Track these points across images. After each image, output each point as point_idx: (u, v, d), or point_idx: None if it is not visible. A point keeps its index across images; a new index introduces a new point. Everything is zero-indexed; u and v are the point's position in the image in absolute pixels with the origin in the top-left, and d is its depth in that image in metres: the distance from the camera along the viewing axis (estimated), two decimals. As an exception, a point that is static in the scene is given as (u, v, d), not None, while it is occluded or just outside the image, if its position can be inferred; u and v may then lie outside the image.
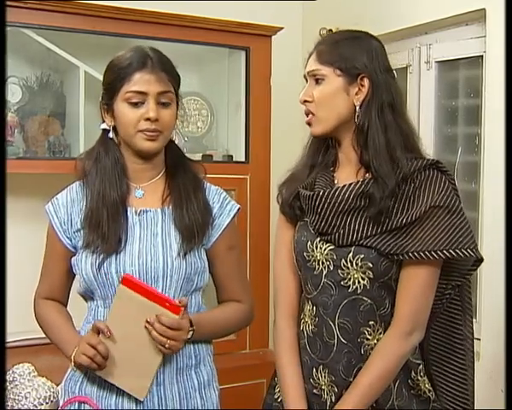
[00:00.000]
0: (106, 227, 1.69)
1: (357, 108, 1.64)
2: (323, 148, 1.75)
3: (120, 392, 1.68)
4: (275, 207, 2.94)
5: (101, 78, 2.70)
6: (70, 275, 1.80)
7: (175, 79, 1.74)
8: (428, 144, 2.69)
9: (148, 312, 1.57)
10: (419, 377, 1.68)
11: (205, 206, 1.77)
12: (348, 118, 1.66)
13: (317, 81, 1.66)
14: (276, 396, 1.79)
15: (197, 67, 3.18)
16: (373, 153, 1.61)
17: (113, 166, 1.74)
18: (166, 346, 1.58)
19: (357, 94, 1.64)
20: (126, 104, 1.68)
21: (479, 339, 2.38)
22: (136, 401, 1.67)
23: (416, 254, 1.57)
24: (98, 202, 1.72)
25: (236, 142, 3.06)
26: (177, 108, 1.76)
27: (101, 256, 1.68)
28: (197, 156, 2.90)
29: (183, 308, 1.58)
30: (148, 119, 1.66)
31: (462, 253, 1.57)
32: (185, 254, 1.71)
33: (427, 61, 2.89)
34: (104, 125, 1.77)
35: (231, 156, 3.03)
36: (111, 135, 1.74)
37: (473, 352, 1.76)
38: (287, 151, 3.13)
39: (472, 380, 1.76)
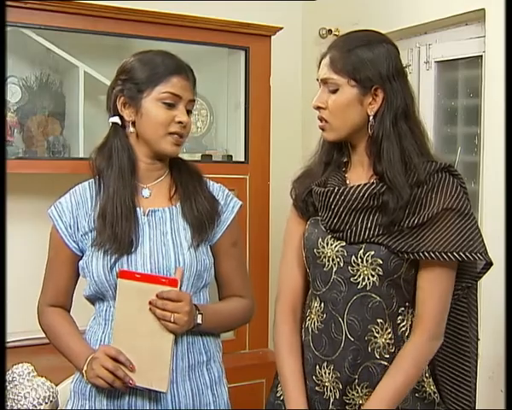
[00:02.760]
0: (119, 227, 1.68)
1: (371, 117, 1.65)
2: (337, 147, 1.75)
3: (133, 392, 1.68)
4: (274, 207, 2.96)
5: (100, 77, 2.73)
6: (75, 280, 1.80)
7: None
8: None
9: (148, 294, 1.59)
10: (424, 379, 1.69)
11: (211, 197, 1.79)
12: (361, 126, 1.67)
13: (329, 89, 1.66)
14: (278, 394, 1.80)
15: (196, 66, 3.16)
16: (387, 165, 1.62)
17: (127, 164, 1.73)
18: (172, 320, 1.59)
19: (370, 104, 1.64)
20: (160, 104, 1.69)
21: (478, 339, 2.38)
22: (150, 400, 1.68)
23: (427, 253, 1.59)
24: (113, 200, 1.70)
25: (236, 142, 3.06)
26: None
27: (113, 257, 1.68)
28: (196, 156, 2.90)
29: (178, 279, 1.61)
30: (179, 122, 1.69)
31: (472, 256, 1.59)
32: (198, 246, 1.72)
33: (426, 60, 2.89)
34: (115, 119, 1.75)
35: (231, 156, 3.03)
36: (132, 130, 1.73)
37: (476, 354, 1.77)
38: (286, 151, 3.17)
39: (474, 382, 1.76)
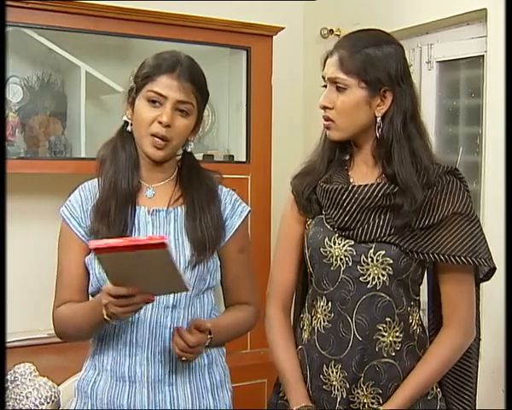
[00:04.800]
0: (112, 216, 1.69)
1: (379, 119, 1.65)
2: (340, 144, 1.74)
3: (132, 392, 1.69)
4: (276, 207, 2.95)
5: (102, 77, 2.73)
6: (89, 277, 1.75)
7: (200, 93, 1.72)
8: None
9: (138, 260, 1.44)
10: None
11: (218, 220, 1.75)
12: (368, 127, 1.67)
13: (338, 89, 1.65)
14: (281, 394, 1.80)
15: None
16: (399, 167, 1.63)
17: (127, 159, 1.74)
18: (183, 359, 1.62)
19: (378, 105, 1.65)
20: (146, 102, 1.68)
21: (480, 339, 2.38)
22: (148, 400, 1.68)
23: (436, 255, 1.62)
24: (109, 192, 1.72)
25: (237, 142, 3.06)
26: (198, 122, 1.76)
27: None
28: (198, 156, 2.87)
29: (166, 239, 1.41)
30: (160, 122, 1.65)
31: (478, 262, 1.62)
32: (195, 266, 1.69)
33: (428, 61, 2.89)
34: (125, 117, 1.76)
35: (232, 156, 3.04)
36: (129, 128, 1.74)
37: (478, 354, 1.78)
38: (287, 151, 3.17)
39: (476, 380, 1.78)
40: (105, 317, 1.57)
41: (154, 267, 1.45)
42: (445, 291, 1.70)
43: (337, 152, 1.75)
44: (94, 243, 1.44)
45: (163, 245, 1.40)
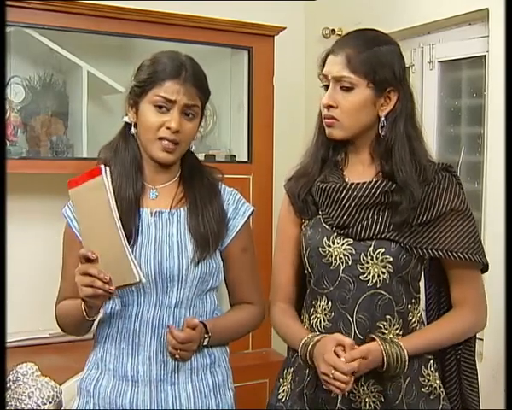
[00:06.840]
0: None
1: (382, 119, 1.66)
2: (333, 144, 1.75)
3: (134, 391, 1.69)
4: (277, 207, 2.94)
5: (103, 77, 2.74)
6: None
7: (204, 95, 1.74)
8: (431, 144, 2.69)
9: (91, 191, 1.55)
10: (430, 372, 1.71)
11: (220, 215, 1.76)
12: (370, 126, 1.67)
13: (343, 88, 1.65)
14: (279, 396, 1.80)
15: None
16: (399, 166, 1.64)
17: (131, 162, 1.74)
18: (176, 356, 1.61)
19: (382, 105, 1.66)
20: (152, 107, 1.68)
21: (481, 339, 2.38)
22: (151, 400, 1.68)
23: (435, 251, 1.63)
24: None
25: (239, 142, 3.06)
26: (200, 120, 1.77)
27: None
28: (200, 156, 2.87)
29: (102, 167, 1.55)
30: (168, 127, 1.66)
31: (474, 258, 1.64)
32: (198, 262, 1.70)
33: (429, 60, 2.89)
34: (127, 119, 1.76)
35: (234, 156, 3.04)
36: (133, 131, 1.74)
37: (474, 350, 1.78)
38: (289, 151, 3.15)
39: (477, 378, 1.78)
40: (83, 311, 1.61)
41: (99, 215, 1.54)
42: (453, 286, 1.71)
43: (331, 152, 1.75)
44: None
45: (99, 171, 1.54)
